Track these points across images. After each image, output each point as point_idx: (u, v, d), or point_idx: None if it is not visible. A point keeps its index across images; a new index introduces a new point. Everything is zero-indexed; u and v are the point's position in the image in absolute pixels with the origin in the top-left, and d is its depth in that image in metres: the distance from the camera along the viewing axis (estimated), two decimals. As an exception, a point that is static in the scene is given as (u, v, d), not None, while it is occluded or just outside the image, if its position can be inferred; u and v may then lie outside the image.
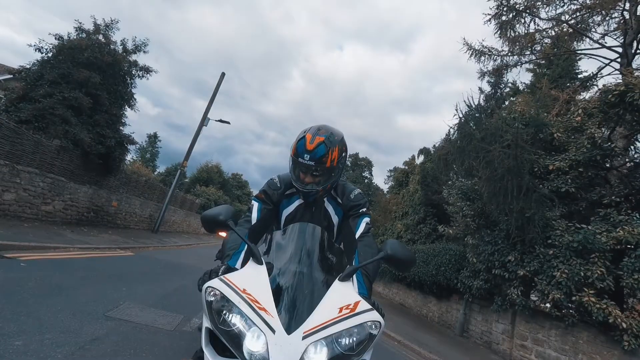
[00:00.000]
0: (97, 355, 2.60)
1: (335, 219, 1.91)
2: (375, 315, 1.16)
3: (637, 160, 6.30)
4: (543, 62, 12.16)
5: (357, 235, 1.71)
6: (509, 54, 9.88)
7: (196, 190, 29.36)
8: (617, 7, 8.05)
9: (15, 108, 9.67)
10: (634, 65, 8.45)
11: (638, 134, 6.47)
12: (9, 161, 7.92)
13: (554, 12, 9.23)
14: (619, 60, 8.29)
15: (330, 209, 1.90)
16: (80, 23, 11.49)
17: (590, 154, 6.24)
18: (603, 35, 8.74)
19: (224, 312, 1.09)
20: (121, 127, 12.49)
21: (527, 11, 8.95)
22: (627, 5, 8.22)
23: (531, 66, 12.21)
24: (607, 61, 8.90)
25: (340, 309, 1.14)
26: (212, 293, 1.14)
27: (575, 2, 8.73)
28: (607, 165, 6.58)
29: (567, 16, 9.18)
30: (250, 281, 1.20)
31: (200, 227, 26.95)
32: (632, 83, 5.26)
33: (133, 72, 12.84)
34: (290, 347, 1.01)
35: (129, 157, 18.99)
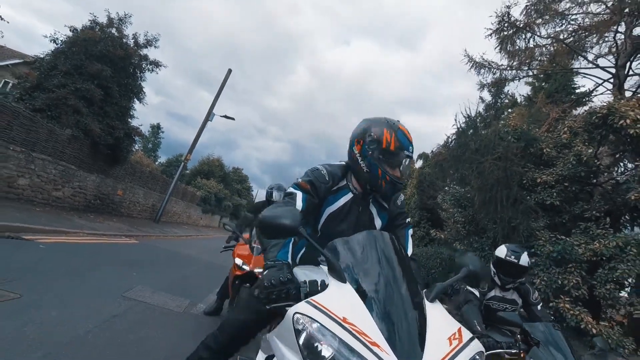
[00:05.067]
0: (120, 329, 3.00)
1: (378, 222, 1.72)
2: (478, 345, 1.05)
3: (619, 179, 6.68)
4: (542, 76, 12.53)
5: (410, 252, 1.64)
6: (508, 68, 10.26)
7: (197, 183, 29.75)
8: (610, 30, 8.42)
9: (29, 97, 10.04)
10: (628, 85, 8.85)
11: (622, 154, 6.85)
12: (25, 148, 8.30)
13: (553, 29, 9.60)
14: (611, 80, 8.68)
15: (374, 211, 1.71)
16: (94, 16, 11.85)
17: (576, 170, 6.65)
18: (597, 57, 9.13)
19: (320, 347, 0.90)
20: (129, 119, 12.88)
21: (527, 28, 9.31)
22: (623, 27, 8.60)
23: (530, 79, 12.56)
24: (600, 80, 9.29)
25: (449, 340, 1.01)
26: (300, 321, 0.95)
27: (573, 23, 9.12)
28: (592, 181, 6.98)
29: (565, 34, 9.55)
30: (344, 306, 1.00)
31: (200, 219, 27.32)
32: (614, 107, 5.65)
33: (143, 66, 13.19)
34: None
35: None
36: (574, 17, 9.21)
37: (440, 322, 1.07)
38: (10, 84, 12.68)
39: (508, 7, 8.90)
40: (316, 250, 1.19)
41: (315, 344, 0.90)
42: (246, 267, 3.35)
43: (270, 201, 4.18)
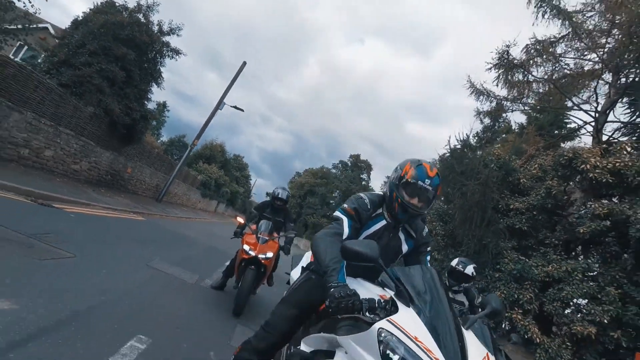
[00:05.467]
0: (151, 292, 3.83)
1: (404, 248, 1.98)
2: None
3: (580, 214, 7.52)
4: (538, 107, 13.40)
5: (428, 257, 2.01)
6: (504, 99, 11.10)
7: (199, 167, 30.45)
8: (595, 78, 9.26)
9: (57, 71, 10.74)
10: (611, 128, 9.69)
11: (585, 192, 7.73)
12: (54, 122, 9.05)
13: (548, 69, 10.43)
14: (592, 123, 9.54)
15: (402, 237, 1.97)
16: (125, 1, 12.53)
17: (545, 201, 7.52)
18: (583, 102, 9.99)
19: (396, 356, 1.12)
20: (146, 102, 13.61)
21: (523, 67, 10.14)
22: (610, 76, 9.44)
23: (526, 108, 13.42)
24: (584, 122, 10.17)
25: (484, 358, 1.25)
26: (383, 335, 1.18)
27: (566, 67, 9.95)
28: (558, 212, 7.87)
29: (558, 74, 10.38)
30: (413, 327, 1.22)
31: (198, 202, 28.09)
32: (578, 152, 6.50)
33: (164, 52, 13.88)
34: None
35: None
36: (567, 61, 10.04)
37: (474, 346, 1.28)
38: (42, 56, 13.29)
39: (507, 46, 9.73)
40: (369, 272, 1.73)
41: (393, 354, 1.13)
42: (252, 253, 4.18)
43: (277, 199, 5.02)
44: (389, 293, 1.52)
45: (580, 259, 6.91)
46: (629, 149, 6.80)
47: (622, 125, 9.28)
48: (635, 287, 6.09)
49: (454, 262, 3.84)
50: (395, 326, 1.19)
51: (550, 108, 11.00)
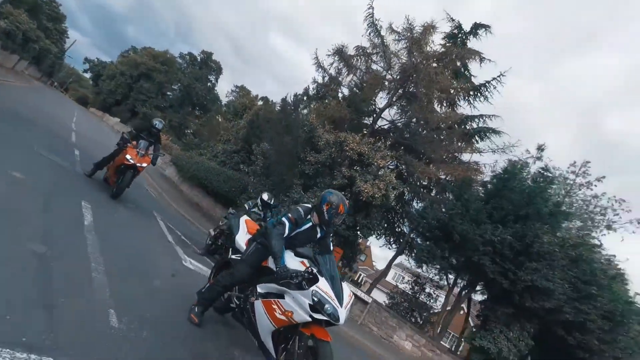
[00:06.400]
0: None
1: (319, 235, 3.67)
2: (351, 299, 3.20)
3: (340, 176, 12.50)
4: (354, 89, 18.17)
5: (331, 249, 3.72)
6: (333, 77, 15.05)
7: (4, 9, 23.20)
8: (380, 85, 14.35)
9: None
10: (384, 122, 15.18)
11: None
12: None
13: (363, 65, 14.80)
14: (375, 115, 14.75)
15: (318, 229, 3.63)
16: None
17: (326, 161, 12.05)
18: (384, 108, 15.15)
19: (320, 300, 2.92)
20: None
21: (350, 60, 14.15)
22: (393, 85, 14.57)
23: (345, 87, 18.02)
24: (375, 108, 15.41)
25: (350, 296, 3.21)
26: (314, 292, 2.93)
27: (373, 70, 14.57)
28: (334, 169, 12.68)
29: (369, 72, 14.94)
30: (325, 287, 3.03)
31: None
32: (346, 137, 11.05)
33: None
34: (342, 311, 2.98)
35: None
36: (375, 67, 14.66)
37: (345, 290, 3.17)
38: None
39: (343, 45, 13.39)
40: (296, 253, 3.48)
41: (320, 300, 2.92)
42: (133, 161, 6.37)
43: (154, 127, 7.03)
44: (307, 262, 3.31)
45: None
46: (372, 140, 11.88)
47: (388, 123, 14.84)
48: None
49: (264, 196, 7.26)
50: (319, 288, 2.96)
51: (359, 93, 15.69)
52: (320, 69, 14.99)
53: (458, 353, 19.73)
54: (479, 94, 16.28)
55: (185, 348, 3.09)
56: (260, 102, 24.04)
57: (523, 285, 11.22)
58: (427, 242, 13.37)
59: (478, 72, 17.86)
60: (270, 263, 3.46)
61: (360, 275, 30.43)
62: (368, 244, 28.81)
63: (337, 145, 11.59)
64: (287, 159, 11.88)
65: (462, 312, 19.29)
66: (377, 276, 19.52)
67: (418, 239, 14.80)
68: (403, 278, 20.85)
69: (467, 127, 16.41)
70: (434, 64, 14.85)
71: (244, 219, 4.43)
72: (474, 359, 16.91)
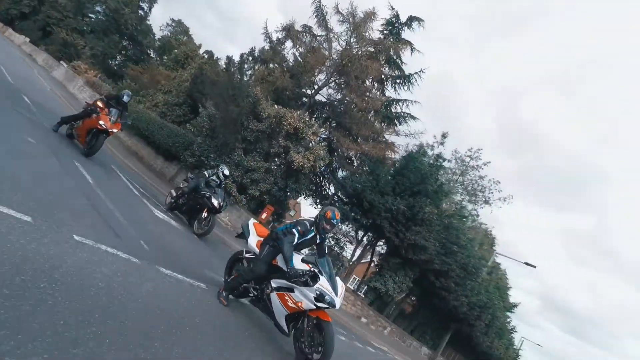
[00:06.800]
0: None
1: (318, 240, 4.72)
2: (343, 290, 4.45)
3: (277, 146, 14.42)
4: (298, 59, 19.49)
5: (326, 252, 4.86)
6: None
7: None
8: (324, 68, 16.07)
9: None
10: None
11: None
12: None
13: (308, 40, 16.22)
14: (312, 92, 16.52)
15: (318, 237, 4.65)
16: None
17: (267, 129, 13.73)
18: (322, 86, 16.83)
19: (322, 295, 4.03)
20: None
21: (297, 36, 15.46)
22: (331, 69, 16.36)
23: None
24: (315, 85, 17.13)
25: (342, 287, 4.42)
26: (317, 287, 4.04)
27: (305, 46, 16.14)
28: (272, 138, 14.44)
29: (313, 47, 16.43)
30: (326, 285, 4.12)
31: None
32: (285, 114, 12.89)
33: None
34: (338, 300, 4.14)
35: None
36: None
37: (340, 284, 4.37)
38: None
39: (292, 22, 14.56)
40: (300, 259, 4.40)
41: (322, 294, 4.07)
42: (106, 126, 7.50)
43: (123, 98, 8.09)
44: (312, 266, 4.20)
45: (267, 164, 13.84)
46: (307, 118, 13.83)
47: (325, 99, 16.78)
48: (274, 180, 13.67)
49: (225, 172, 8.81)
50: (321, 285, 4.10)
51: (302, 63, 17.22)
52: (267, 39, 16.00)
53: (359, 293, 24.35)
54: (406, 81, 19.05)
55: (218, 320, 4.11)
56: (204, 55, 23.74)
57: (408, 243, 14.89)
58: (345, 206, 16.33)
59: (408, 61, 20.59)
60: (279, 262, 4.53)
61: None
62: (299, 200, 31.65)
63: (277, 118, 13.29)
64: (232, 125, 13.25)
65: (364, 261, 23.37)
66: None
67: (338, 203, 17.72)
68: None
69: (392, 110, 19.26)
70: (371, 49, 16.97)
71: (252, 222, 5.25)
72: (369, 296, 21.34)
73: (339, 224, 4.91)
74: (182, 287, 4.24)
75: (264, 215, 13.00)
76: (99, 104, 7.72)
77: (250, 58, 21.16)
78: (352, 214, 15.67)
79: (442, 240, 15.77)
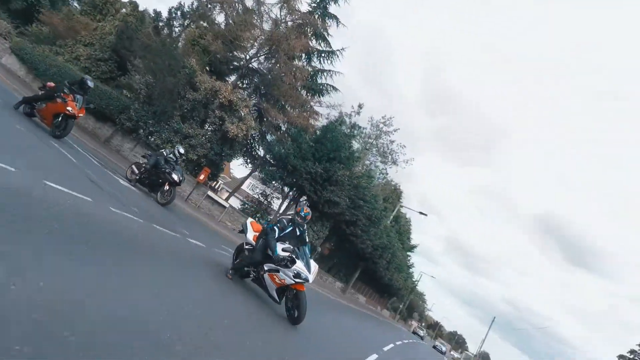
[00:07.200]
0: None
1: (298, 233, 6.06)
2: (316, 269, 6.04)
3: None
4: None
5: (307, 241, 6.28)
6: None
7: None
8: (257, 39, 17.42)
9: None
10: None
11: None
12: None
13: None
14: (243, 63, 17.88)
15: (297, 230, 6.05)
16: None
17: (202, 99, 15.12)
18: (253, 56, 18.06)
19: (299, 272, 5.54)
20: None
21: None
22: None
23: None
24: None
25: (315, 266, 6.00)
26: (294, 267, 5.54)
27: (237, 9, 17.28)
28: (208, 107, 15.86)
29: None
30: (301, 265, 5.61)
31: None
32: (220, 87, 14.45)
33: None
34: (311, 276, 5.67)
35: None
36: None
37: (313, 265, 5.97)
38: None
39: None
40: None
41: (298, 273, 5.60)
42: (74, 112, 8.60)
43: (87, 84, 9.06)
44: (290, 252, 5.70)
45: (203, 131, 15.41)
46: (240, 88, 15.52)
47: (256, 69, 18.30)
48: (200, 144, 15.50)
49: (181, 150, 10.39)
50: (298, 267, 5.63)
51: (233, 26, 18.26)
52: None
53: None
54: (331, 55, 21.32)
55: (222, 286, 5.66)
56: (127, 3, 22.32)
57: (324, 199, 18.29)
58: (272, 167, 18.89)
59: (334, 33, 22.90)
60: (270, 252, 5.78)
61: (218, 182, 35.05)
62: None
63: (213, 92, 14.76)
64: (169, 94, 14.30)
65: (289, 212, 26.78)
66: (235, 186, 24.68)
67: (267, 164, 20.19)
68: (256, 187, 26.82)
69: (317, 81, 21.55)
70: (300, 21, 18.66)
71: (249, 221, 6.78)
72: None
73: (309, 216, 6.35)
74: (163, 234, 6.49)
75: (202, 177, 14.88)
76: (65, 90, 8.51)
77: (179, 13, 21.03)
78: (279, 175, 18.39)
79: (352, 196, 19.53)
